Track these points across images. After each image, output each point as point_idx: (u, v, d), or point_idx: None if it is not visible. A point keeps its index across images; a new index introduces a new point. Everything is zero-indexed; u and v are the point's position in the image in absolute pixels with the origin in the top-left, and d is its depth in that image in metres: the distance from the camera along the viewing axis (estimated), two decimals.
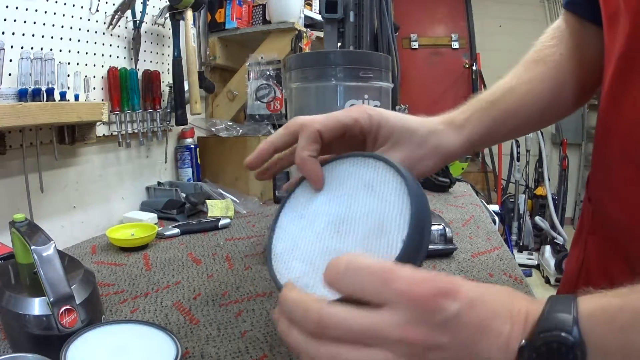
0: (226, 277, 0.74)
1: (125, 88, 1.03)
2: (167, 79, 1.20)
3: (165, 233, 0.95)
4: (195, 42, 1.20)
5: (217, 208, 1.10)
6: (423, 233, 0.34)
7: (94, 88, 0.99)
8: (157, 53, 1.20)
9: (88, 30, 0.97)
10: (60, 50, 0.90)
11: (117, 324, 0.48)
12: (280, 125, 1.29)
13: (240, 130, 1.31)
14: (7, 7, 0.79)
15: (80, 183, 0.99)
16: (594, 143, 0.51)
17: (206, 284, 0.71)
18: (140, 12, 1.09)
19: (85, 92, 0.94)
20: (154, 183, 1.22)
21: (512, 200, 3.11)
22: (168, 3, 1.13)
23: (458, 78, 3.80)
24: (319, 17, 1.48)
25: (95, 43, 0.99)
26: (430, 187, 1.39)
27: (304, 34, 1.37)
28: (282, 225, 0.42)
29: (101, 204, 1.05)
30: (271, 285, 0.70)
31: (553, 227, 2.92)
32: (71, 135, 0.91)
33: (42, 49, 0.84)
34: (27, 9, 0.82)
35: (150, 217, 1.05)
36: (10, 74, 0.78)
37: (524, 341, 0.27)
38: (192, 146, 1.29)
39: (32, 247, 0.49)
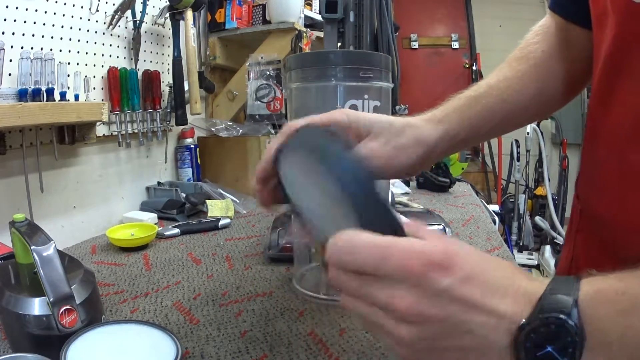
0: (226, 277, 0.74)
1: (125, 88, 1.03)
2: (167, 79, 1.20)
3: (165, 233, 0.95)
4: (195, 42, 1.20)
5: (217, 208, 1.10)
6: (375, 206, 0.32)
7: (94, 88, 0.99)
8: (157, 53, 1.20)
9: (88, 30, 0.97)
10: (60, 50, 0.90)
11: (117, 324, 0.48)
12: (280, 126, 1.29)
13: (240, 130, 1.31)
14: (7, 7, 0.79)
15: (80, 183, 0.99)
16: (583, 142, 0.52)
17: (206, 284, 0.71)
18: (140, 12, 1.09)
19: (85, 92, 0.94)
20: (154, 183, 1.22)
21: (512, 200, 3.10)
22: (168, 3, 1.13)
23: (458, 78, 3.79)
24: (319, 17, 1.48)
25: (95, 43, 0.99)
26: (430, 187, 1.39)
27: (304, 34, 1.37)
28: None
29: (101, 204, 1.05)
30: (271, 285, 0.70)
31: (553, 227, 2.92)
32: (71, 135, 0.91)
33: (42, 49, 0.84)
34: (27, 9, 0.82)
35: (150, 217, 1.06)
36: (10, 74, 0.79)
37: (523, 320, 0.27)
38: (192, 146, 1.30)
39: (32, 247, 0.49)
